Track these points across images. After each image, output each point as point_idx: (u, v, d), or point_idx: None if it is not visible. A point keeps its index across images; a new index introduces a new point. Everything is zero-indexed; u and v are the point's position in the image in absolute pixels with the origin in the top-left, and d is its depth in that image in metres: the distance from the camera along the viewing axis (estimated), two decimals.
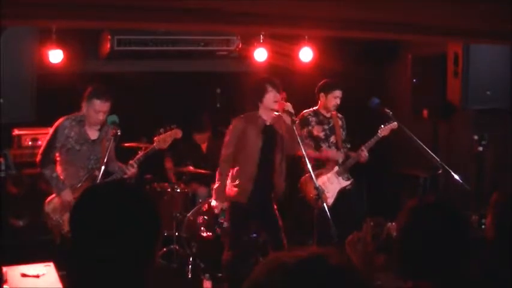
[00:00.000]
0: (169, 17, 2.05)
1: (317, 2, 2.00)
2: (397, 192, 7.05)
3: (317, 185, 4.68)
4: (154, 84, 6.89)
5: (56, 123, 4.92)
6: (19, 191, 5.76)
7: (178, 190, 6.25)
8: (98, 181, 4.62)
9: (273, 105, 5.12)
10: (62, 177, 4.90)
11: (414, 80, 6.48)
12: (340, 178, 5.75)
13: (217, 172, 5.31)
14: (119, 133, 4.79)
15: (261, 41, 6.72)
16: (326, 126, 5.80)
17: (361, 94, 5.83)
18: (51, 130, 4.94)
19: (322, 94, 5.77)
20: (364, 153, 5.66)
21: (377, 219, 2.96)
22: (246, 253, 5.36)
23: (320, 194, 4.67)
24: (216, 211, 5.37)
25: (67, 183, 4.88)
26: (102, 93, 4.86)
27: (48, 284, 3.47)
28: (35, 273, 3.57)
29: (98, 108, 4.85)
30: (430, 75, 6.23)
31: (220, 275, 5.63)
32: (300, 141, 4.84)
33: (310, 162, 4.77)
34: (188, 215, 6.00)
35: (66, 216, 4.69)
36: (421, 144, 5.17)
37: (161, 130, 5.09)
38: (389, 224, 2.93)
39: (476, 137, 5.79)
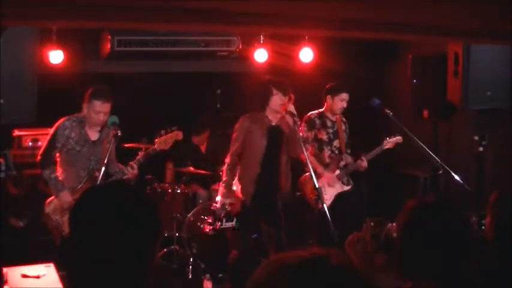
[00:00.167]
0: (169, 17, 2.05)
1: (317, 2, 2.00)
2: (397, 192, 7.05)
3: (317, 186, 4.69)
4: (154, 84, 6.90)
5: (56, 124, 4.92)
6: (19, 192, 5.76)
7: (179, 191, 6.25)
8: (99, 182, 4.62)
9: (278, 108, 5.16)
10: (62, 177, 4.90)
11: (414, 80, 6.48)
12: (340, 182, 5.76)
13: (224, 168, 5.36)
14: (119, 134, 4.79)
15: (261, 41, 6.72)
16: (330, 130, 5.79)
17: (361, 94, 5.83)
18: (51, 130, 4.94)
19: (328, 96, 5.75)
20: (364, 163, 5.68)
21: (377, 219, 2.96)
22: (251, 253, 5.38)
23: (320, 195, 4.67)
24: (218, 206, 5.41)
25: (68, 184, 4.87)
26: (102, 94, 4.86)
27: (49, 285, 3.47)
28: (35, 274, 3.57)
29: (98, 109, 4.85)
30: (430, 75, 6.23)
31: (220, 275, 5.63)
32: (301, 142, 4.86)
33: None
34: (188, 215, 6.00)
35: (67, 217, 4.67)
36: (421, 144, 5.17)
37: (162, 132, 5.10)
38: (390, 224, 2.93)
39: (476, 137, 5.79)
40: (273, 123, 5.30)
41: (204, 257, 5.84)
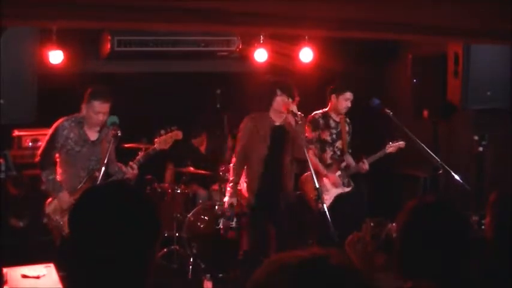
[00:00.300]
0: (169, 17, 2.05)
1: (317, 2, 2.00)
2: (397, 192, 7.05)
3: (317, 186, 4.68)
4: (154, 84, 6.90)
5: (55, 124, 4.91)
6: (19, 192, 5.75)
7: (179, 191, 6.25)
8: (98, 182, 4.61)
9: (282, 109, 5.19)
10: (62, 178, 4.89)
11: (414, 80, 6.48)
12: (341, 183, 5.76)
13: (231, 168, 5.42)
14: (119, 134, 4.78)
15: (261, 41, 6.72)
16: (334, 131, 5.77)
17: (361, 94, 5.83)
18: (50, 131, 4.93)
19: (333, 96, 5.73)
20: (366, 166, 5.68)
21: (377, 219, 2.96)
22: (257, 251, 5.39)
23: (320, 195, 4.68)
24: (225, 205, 5.45)
25: (68, 185, 4.87)
26: (101, 94, 4.85)
27: (49, 285, 3.47)
28: (35, 274, 3.57)
29: (97, 110, 4.84)
30: (430, 75, 6.22)
31: (220, 275, 5.64)
32: (303, 142, 4.87)
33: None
34: (188, 215, 6.00)
35: (67, 218, 4.68)
36: (421, 144, 5.16)
37: (162, 131, 5.10)
38: (390, 225, 2.93)
39: (476, 137, 5.79)
40: (277, 124, 5.32)
41: (204, 257, 5.85)
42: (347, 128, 5.85)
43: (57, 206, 4.84)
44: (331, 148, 5.76)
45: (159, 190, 6.29)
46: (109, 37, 6.21)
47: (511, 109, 5.63)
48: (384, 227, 2.90)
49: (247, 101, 6.27)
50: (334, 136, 5.77)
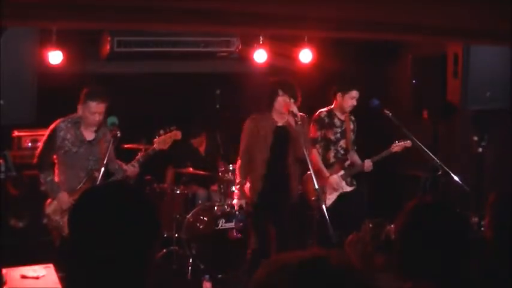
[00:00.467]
0: (169, 17, 2.05)
1: (317, 3, 2.00)
2: (397, 192, 7.05)
3: (317, 187, 4.68)
4: (154, 85, 6.90)
5: (52, 126, 4.90)
6: (19, 193, 5.75)
7: (178, 191, 6.25)
8: (98, 182, 4.61)
9: (283, 109, 5.19)
10: (61, 179, 4.89)
11: (414, 81, 6.48)
12: (344, 182, 5.75)
13: (236, 170, 5.50)
14: (118, 134, 4.78)
15: (261, 42, 6.72)
16: (338, 130, 5.76)
17: (361, 94, 5.82)
18: (46, 132, 4.93)
19: (338, 94, 5.71)
20: (370, 164, 5.68)
21: (376, 220, 2.96)
22: (261, 251, 5.40)
23: (320, 196, 4.68)
24: (236, 208, 5.48)
25: (67, 185, 4.87)
26: (97, 94, 4.85)
27: (48, 285, 3.47)
28: (34, 275, 3.58)
29: (93, 110, 4.84)
30: (430, 76, 6.22)
31: (220, 276, 5.64)
32: (303, 143, 4.87)
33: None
34: (188, 216, 5.99)
35: (66, 218, 4.67)
36: (421, 145, 5.16)
37: (161, 131, 5.10)
38: (388, 226, 2.93)
39: (476, 138, 5.79)
40: (280, 124, 5.33)
41: (204, 258, 5.84)
42: (352, 126, 5.84)
43: (57, 207, 4.84)
44: (334, 147, 5.76)
45: (159, 190, 6.29)
46: (109, 38, 6.20)
47: (511, 109, 5.63)
48: (383, 227, 2.90)
49: (246, 102, 6.27)
50: (338, 135, 5.76)
